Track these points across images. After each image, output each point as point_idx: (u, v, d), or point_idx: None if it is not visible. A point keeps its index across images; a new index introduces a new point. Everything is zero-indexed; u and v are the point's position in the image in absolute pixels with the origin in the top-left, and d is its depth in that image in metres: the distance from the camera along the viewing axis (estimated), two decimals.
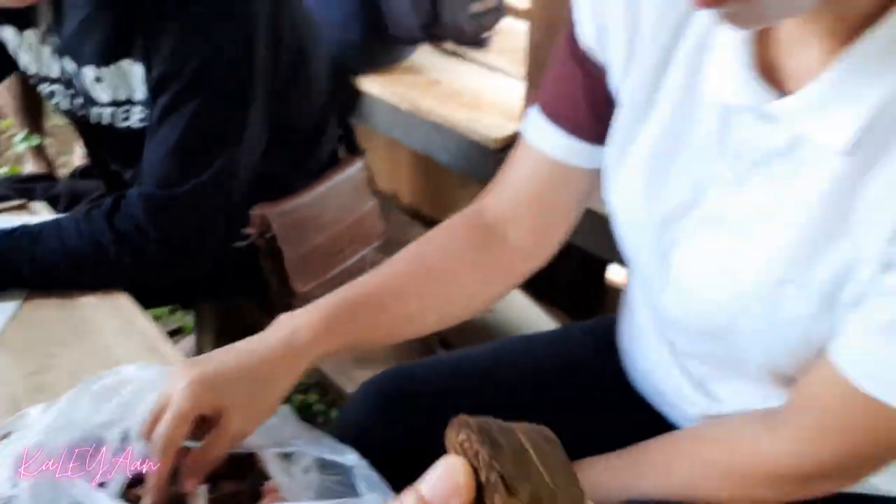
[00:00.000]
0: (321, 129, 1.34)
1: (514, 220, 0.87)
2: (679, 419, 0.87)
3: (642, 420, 0.88)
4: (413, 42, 1.80)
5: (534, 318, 1.41)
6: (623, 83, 0.75)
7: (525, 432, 0.36)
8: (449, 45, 1.90)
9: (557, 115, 0.81)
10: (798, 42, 0.63)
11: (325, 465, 0.78)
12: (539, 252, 0.90)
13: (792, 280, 0.64)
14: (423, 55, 1.91)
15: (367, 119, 1.88)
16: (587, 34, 0.76)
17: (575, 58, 0.79)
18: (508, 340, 1.08)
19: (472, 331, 1.31)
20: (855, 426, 0.66)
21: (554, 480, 0.34)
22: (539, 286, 1.73)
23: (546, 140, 0.82)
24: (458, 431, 0.35)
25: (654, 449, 0.80)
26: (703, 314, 0.73)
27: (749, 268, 0.66)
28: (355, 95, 1.85)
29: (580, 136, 0.81)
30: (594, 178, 0.82)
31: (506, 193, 0.88)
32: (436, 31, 1.71)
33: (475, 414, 0.35)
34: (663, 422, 0.89)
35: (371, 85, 1.82)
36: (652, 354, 0.88)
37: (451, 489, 0.32)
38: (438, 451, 0.34)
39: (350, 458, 0.77)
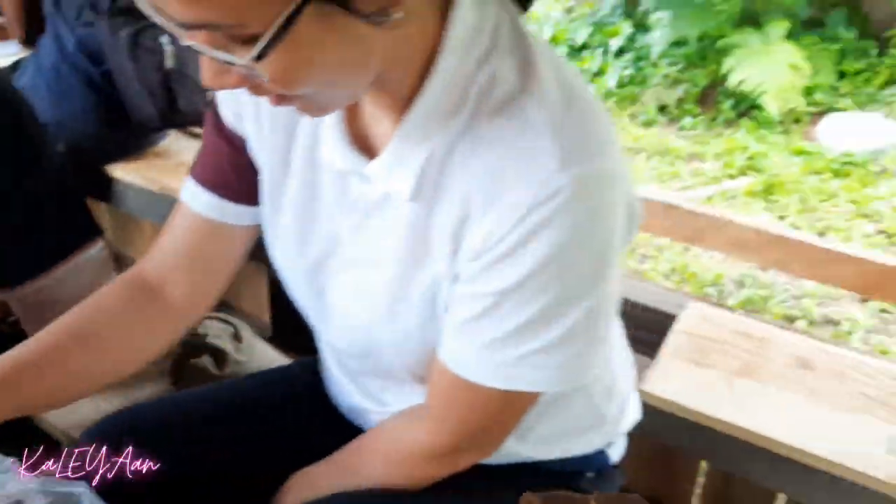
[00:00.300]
0: (58, 216, 1.41)
1: (172, 278, 0.92)
2: (371, 427, 1.00)
3: (349, 435, 0.98)
4: (157, 129, 1.88)
5: (271, 357, 1.54)
6: (259, 153, 0.86)
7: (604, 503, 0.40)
8: (196, 129, 1.99)
9: (207, 181, 0.89)
10: (373, 116, 0.76)
11: None
12: (197, 306, 0.95)
13: (401, 300, 0.79)
14: (172, 140, 2.00)
15: (123, 204, 1.93)
16: (227, 111, 0.86)
17: (218, 131, 0.87)
18: (244, 377, 1.17)
19: (216, 375, 1.42)
20: (465, 404, 0.81)
21: None
22: (283, 333, 1.85)
23: (198, 202, 0.89)
24: None
25: (347, 453, 0.94)
26: (356, 339, 0.87)
27: (374, 296, 0.81)
28: (107, 183, 1.91)
29: (229, 199, 0.89)
30: (250, 233, 0.93)
31: (163, 253, 0.93)
32: (175, 118, 1.78)
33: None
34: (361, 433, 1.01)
35: (123, 172, 1.89)
36: (336, 378, 1.02)
37: None
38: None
39: (78, 489, 0.82)
